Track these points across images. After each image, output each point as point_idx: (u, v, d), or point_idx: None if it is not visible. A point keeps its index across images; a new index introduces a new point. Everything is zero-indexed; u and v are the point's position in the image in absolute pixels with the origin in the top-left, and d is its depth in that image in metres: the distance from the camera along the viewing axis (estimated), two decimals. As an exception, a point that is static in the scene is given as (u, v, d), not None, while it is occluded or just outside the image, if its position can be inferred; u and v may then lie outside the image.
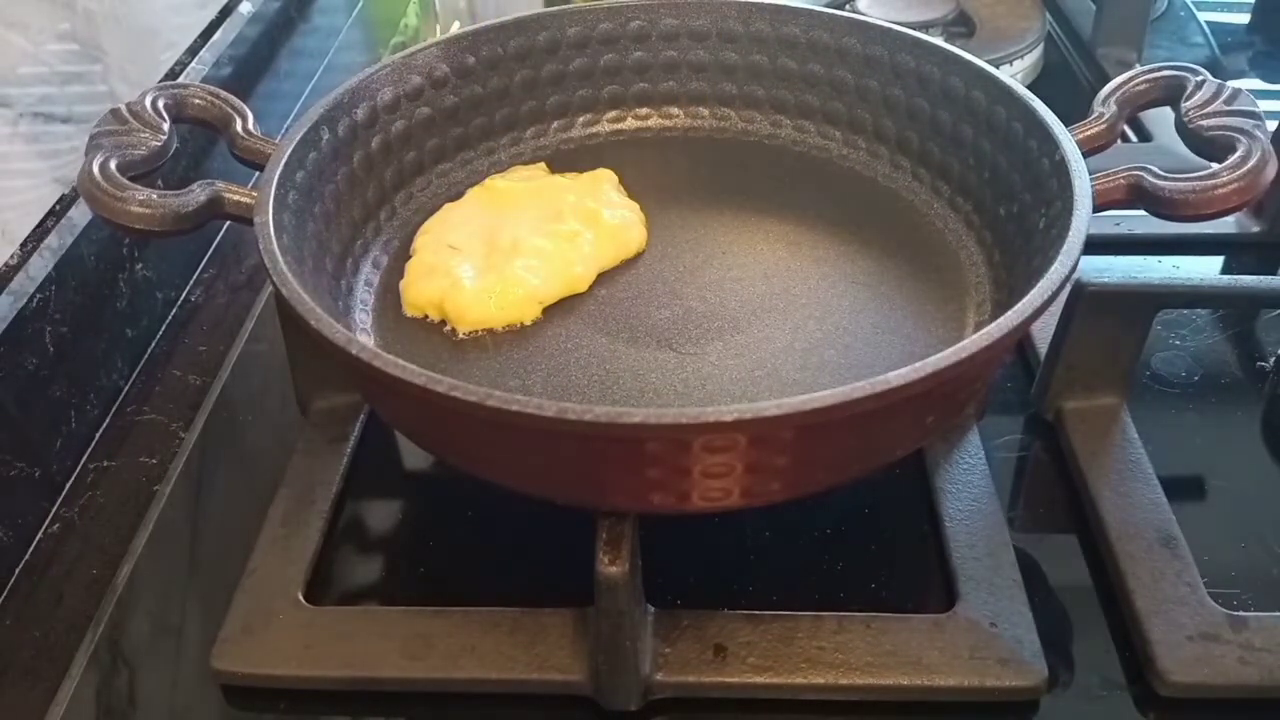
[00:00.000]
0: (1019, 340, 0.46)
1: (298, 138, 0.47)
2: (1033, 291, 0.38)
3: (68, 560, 0.48)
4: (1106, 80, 0.49)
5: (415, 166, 0.55)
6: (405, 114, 0.54)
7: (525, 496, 0.41)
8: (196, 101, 0.49)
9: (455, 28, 0.80)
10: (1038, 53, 0.77)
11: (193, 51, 0.67)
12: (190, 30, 0.68)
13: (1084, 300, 0.47)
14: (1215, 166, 0.42)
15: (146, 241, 0.58)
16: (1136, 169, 0.43)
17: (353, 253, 0.51)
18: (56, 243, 0.52)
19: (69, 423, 0.52)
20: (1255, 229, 0.62)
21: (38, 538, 0.48)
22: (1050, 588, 0.44)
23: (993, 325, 0.37)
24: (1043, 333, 0.51)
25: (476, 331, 0.49)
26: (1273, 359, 0.55)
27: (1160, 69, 0.47)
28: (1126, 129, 0.57)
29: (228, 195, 0.45)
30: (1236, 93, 0.45)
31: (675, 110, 0.60)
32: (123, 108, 0.47)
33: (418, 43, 0.56)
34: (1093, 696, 0.41)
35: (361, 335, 0.48)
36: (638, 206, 0.54)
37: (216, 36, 0.70)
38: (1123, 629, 0.42)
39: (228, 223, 0.52)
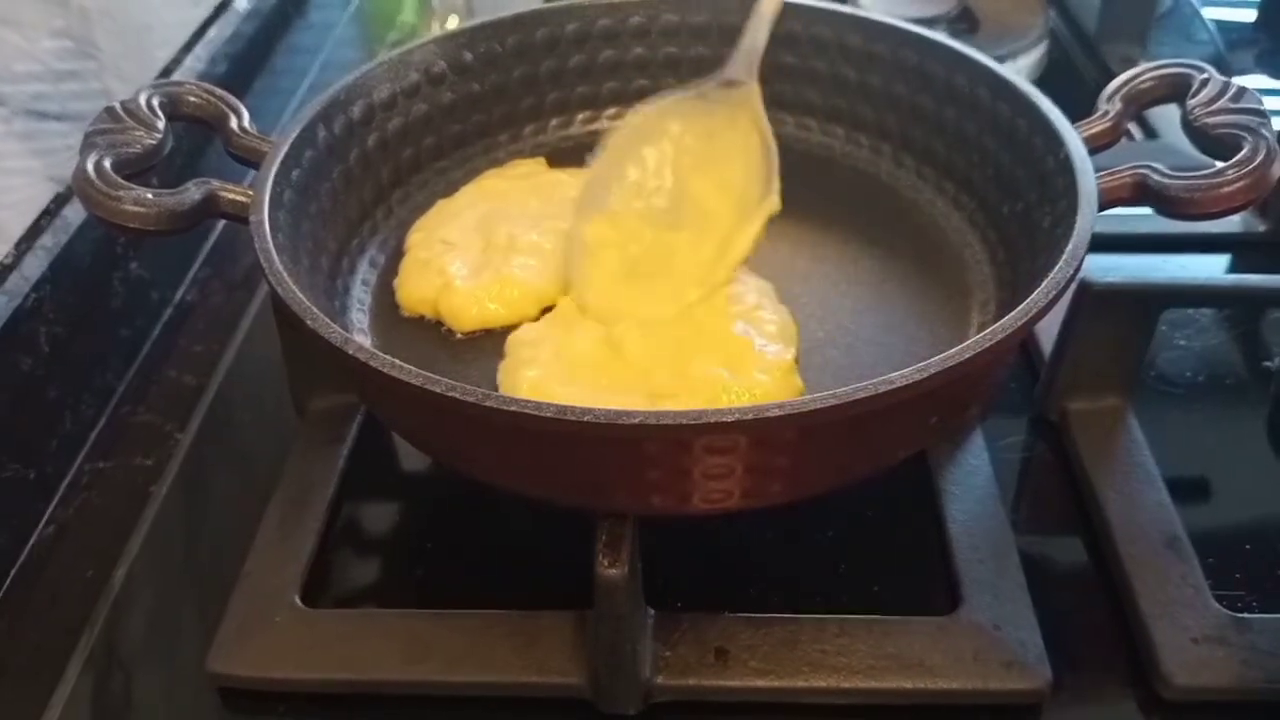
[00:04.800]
0: (1023, 340, 0.46)
1: (294, 135, 0.47)
2: (1037, 291, 0.38)
3: (62, 562, 0.47)
4: (1111, 77, 0.48)
5: (413, 164, 0.55)
6: (403, 111, 0.54)
7: (524, 498, 0.40)
8: (191, 99, 0.48)
9: (453, 24, 0.80)
10: (1042, 49, 0.76)
11: (188, 48, 0.67)
12: (185, 27, 0.68)
13: (1089, 299, 0.46)
14: (1221, 164, 0.42)
15: (141, 240, 0.58)
16: (1142, 167, 0.43)
17: (349, 252, 0.51)
18: (51, 242, 0.52)
19: (63, 423, 0.51)
20: (1261, 228, 0.61)
21: (32, 540, 0.48)
22: (1054, 590, 0.44)
23: (997, 325, 0.37)
24: (1047, 332, 0.51)
25: (475, 332, 0.48)
26: (1278, 359, 0.54)
27: (1165, 66, 0.47)
28: (1132, 126, 0.57)
29: (223, 194, 0.44)
30: (1242, 90, 0.44)
31: (675, 108, 0.60)
32: (117, 105, 0.46)
33: (415, 39, 0.56)
34: (1097, 699, 0.41)
35: (358, 335, 0.48)
36: (640, 204, 0.54)
37: (211, 33, 0.70)
38: (1127, 631, 0.42)
39: (223, 221, 0.52)
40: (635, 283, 0.47)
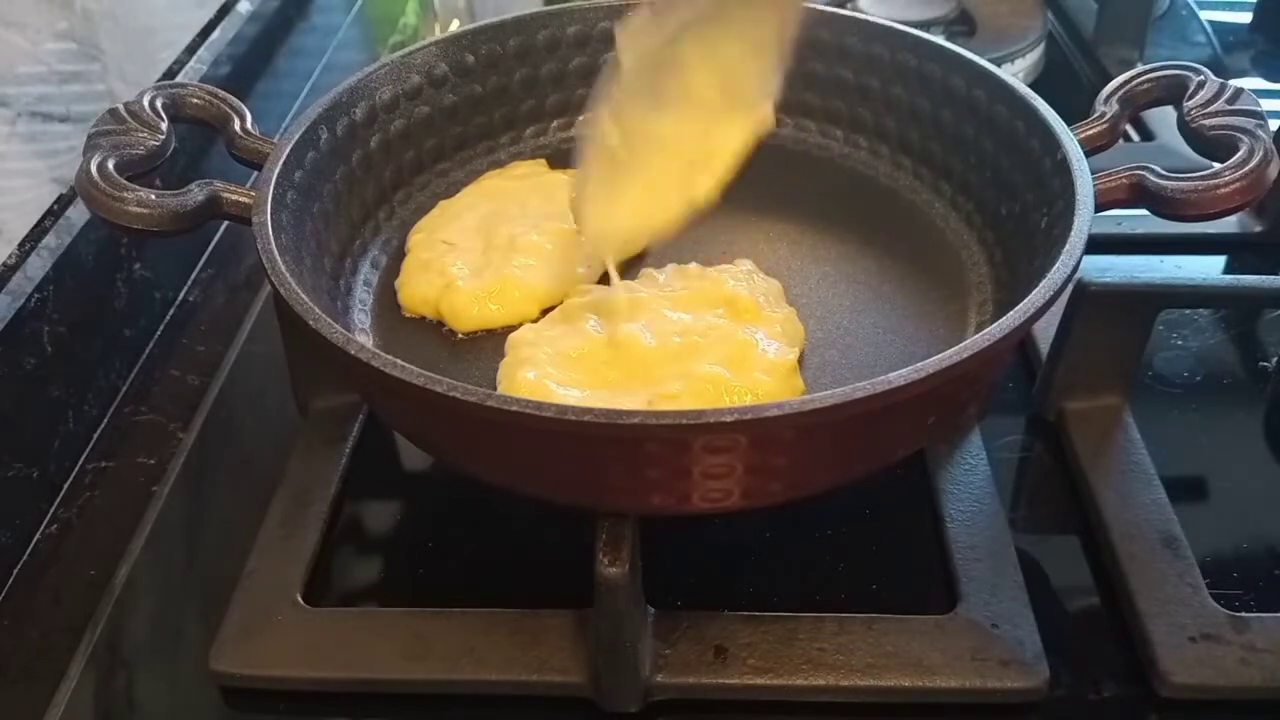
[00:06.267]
0: (1020, 340, 0.46)
1: (296, 137, 0.47)
2: (1034, 291, 0.38)
3: (66, 561, 0.47)
4: (1108, 79, 0.49)
5: (414, 166, 0.55)
6: (404, 113, 0.54)
7: (524, 497, 0.41)
8: (195, 101, 0.49)
9: (454, 26, 0.80)
10: (1039, 52, 0.76)
11: (191, 50, 0.67)
12: (188, 29, 0.68)
13: (1086, 300, 0.47)
14: (1217, 166, 0.42)
15: (144, 241, 0.58)
16: (1138, 168, 0.43)
17: (351, 253, 0.51)
18: (54, 242, 0.52)
19: (67, 423, 0.52)
20: (1257, 229, 0.61)
21: (36, 538, 0.48)
22: (1052, 589, 0.44)
23: (994, 325, 0.37)
24: (1044, 333, 0.51)
25: (476, 332, 0.49)
26: (1275, 359, 0.54)
27: (1162, 68, 0.47)
28: (1128, 128, 0.57)
29: (226, 195, 0.45)
30: (1239, 92, 0.45)
31: (675, 109, 0.60)
32: (121, 107, 0.46)
33: (416, 41, 0.56)
34: (1094, 698, 0.41)
35: (360, 335, 0.48)
36: (639, 205, 0.54)
37: (215, 35, 0.70)
38: (1124, 630, 0.42)
39: (226, 222, 0.52)
40: (619, 193, 0.46)
